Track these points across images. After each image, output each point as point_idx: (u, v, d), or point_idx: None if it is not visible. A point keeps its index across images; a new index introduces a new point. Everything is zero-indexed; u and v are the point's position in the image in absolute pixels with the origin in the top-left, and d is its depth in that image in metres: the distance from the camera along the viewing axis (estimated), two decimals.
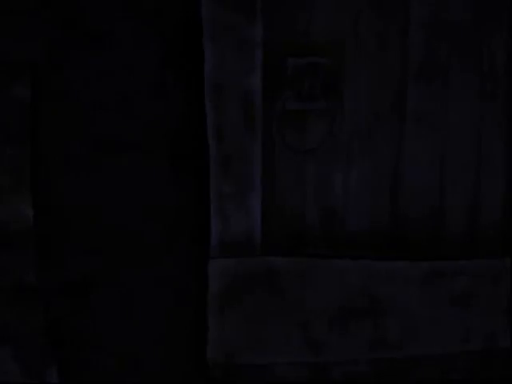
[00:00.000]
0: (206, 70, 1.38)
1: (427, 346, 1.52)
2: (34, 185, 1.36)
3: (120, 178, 1.47)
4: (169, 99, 1.49)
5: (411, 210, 1.54)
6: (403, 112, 1.50)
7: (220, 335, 1.43)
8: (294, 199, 1.49)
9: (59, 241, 1.42)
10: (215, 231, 1.43)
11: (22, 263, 1.37)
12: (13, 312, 1.38)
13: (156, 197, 1.52)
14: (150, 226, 1.53)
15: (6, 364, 1.38)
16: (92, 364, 1.46)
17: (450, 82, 1.53)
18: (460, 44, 1.53)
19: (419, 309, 1.52)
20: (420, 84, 1.51)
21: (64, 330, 1.43)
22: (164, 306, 1.53)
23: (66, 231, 1.42)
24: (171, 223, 1.53)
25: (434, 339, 1.52)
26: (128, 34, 1.41)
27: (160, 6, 1.44)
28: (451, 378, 1.55)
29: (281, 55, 1.44)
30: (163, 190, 1.53)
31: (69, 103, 1.40)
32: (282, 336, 1.45)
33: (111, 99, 1.42)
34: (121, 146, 1.45)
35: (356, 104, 1.48)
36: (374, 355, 1.49)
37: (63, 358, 1.42)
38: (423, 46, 1.52)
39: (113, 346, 1.48)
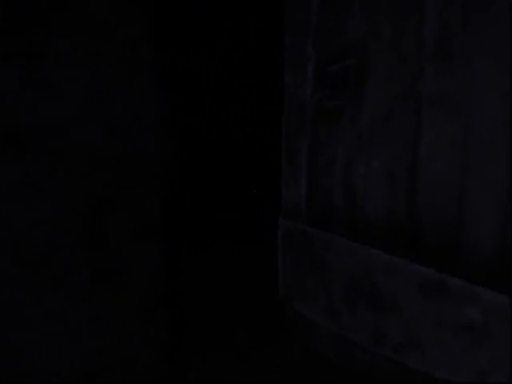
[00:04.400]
0: (286, 89, 1.91)
1: (429, 362, 1.38)
2: None
3: None
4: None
5: (428, 210, 1.45)
6: (419, 96, 1.45)
7: (282, 273, 1.95)
8: (327, 183, 1.79)
9: None
10: (283, 198, 1.96)
11: None
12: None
13: None
14: None
15: None
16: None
17: (471, 60, 1.27)
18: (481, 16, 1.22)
19: (421, 318, 1.39)
20: (436, 65, 1.40)
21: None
22: None
23: None
24: None
25: (436, 359, 1.36)
26: None
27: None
28: None
29: (323, 65, 1.77)
30: None
31: None
32: (312, 288, 1.78)
33: None
34: None
35: (376, 94, 1.58)
36: (375, 349, 1.53)
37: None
38: (438, 21, 1.40)
39: None
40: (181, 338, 1.98)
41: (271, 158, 4.00)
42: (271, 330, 2.02)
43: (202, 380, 1.78)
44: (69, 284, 1.66)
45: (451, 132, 1.35)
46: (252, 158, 3.96)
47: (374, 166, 1.58)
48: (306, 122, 1.81)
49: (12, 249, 1.56)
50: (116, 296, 1.75)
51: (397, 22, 1.49)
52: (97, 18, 1.63)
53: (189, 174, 3.53)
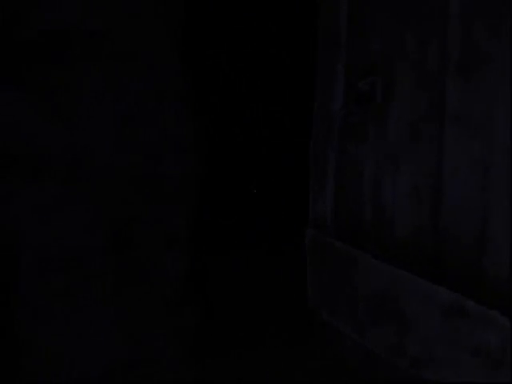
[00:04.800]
0: (316, 103, 1.94)
1: (444, 378, 1.43)
2: None
3: None
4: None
5: (451, 231, 1.46)
6: (443, 113, 1.47)
7: (310, 282, 2.01)
8: (354, 197, 1.81)
9: None
10: (310, 209, 2.01)
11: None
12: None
13: None
14: None
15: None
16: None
17: (493, 78, 1.31)
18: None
19: (439, 337, 1.43)
20: (459, 82, 1.42)
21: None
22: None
23: None
24: None
25: (451, 376, 1.41)
26: None
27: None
28: None
29: (351, 81, 1.81)
30: None
31: None
32: (338, 301, 1.82)
33: None
34: None
35: (401, 109, 1.61)
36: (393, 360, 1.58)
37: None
38: (461, 37, 1.40)
39: None
40: (206, 339, 2.02)
41: (279, 159, 4.03)
42: (299, 334, 2.07)
43: (227, 379, 1.84)
44: (95, 287, 1.70)
45: (472, 151, 1.37)
46: (258, 159, 3.99)
47: (400, 183, 1.61)
48: (333, 136, 1.86)
49: (44, 256, 1.60)
50: (141, 299, 1.80)
51: (421, 40, 1.52)
52: (120, 49, 1.66)
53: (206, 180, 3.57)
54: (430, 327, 1.45)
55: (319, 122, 1.93)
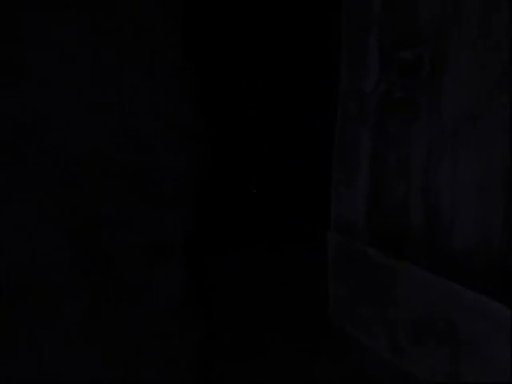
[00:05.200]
0: (342, 83, 1.64)
1: None
2: None
3: None
4: None
5: None
6: None
7: (334, 294, 1.70)
8: (398, 192, 1.46)
9: None
10: (333, 207, 1.67)
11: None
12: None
13: None
14: None
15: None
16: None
17: None
18: None
19: (505, 363, 1.17)
20: None
21: None
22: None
23: None
24: None
25: None
26: None
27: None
28: None
29: (390, 53, 1.50)
30: None
31: None
32: (369, 318, 1.52)
33: None
34: None
35: (459, 87, 1.31)
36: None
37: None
38: None
39: None
40: (208, 347, 1.75)
41: (280, 159, 3.83)
42: (305, 337, 1.82)
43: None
44: (66, 311, 1.40)
45: None
46: (259, 159, 3.79)
47: (461, 177, 1.29)
48: (368, 115, 1.54)
49: None
50: (128, 317, 1.51)
51: (484, 4, 1.24)
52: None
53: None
54: (495, 352, 1.17)
55: (347, 102, 1.62)
